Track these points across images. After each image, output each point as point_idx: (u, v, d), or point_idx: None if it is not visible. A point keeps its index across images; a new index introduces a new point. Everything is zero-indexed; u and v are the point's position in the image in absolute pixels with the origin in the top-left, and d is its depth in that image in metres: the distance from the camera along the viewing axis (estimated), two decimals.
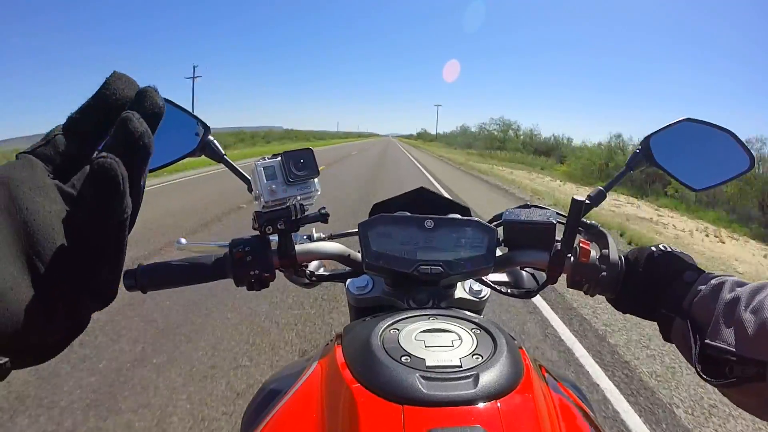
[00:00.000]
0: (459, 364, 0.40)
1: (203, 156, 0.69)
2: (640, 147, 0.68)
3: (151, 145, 0.26)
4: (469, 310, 0.55)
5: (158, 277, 0.58)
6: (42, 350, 0.25)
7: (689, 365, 0.46)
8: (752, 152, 0.67)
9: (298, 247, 0.62)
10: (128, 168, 0.24)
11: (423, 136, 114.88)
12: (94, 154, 0.24)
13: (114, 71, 0.27)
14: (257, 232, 0.59)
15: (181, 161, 0.66)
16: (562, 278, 0.61)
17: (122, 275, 0.57)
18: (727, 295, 0.45)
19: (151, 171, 0.62)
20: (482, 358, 0.41)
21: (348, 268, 0.69)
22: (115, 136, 0.25)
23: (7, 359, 0.22)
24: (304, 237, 0.71)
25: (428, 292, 0.62)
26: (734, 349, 0.40)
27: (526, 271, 0.74)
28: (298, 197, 0.58)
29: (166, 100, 0.62)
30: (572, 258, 0.59)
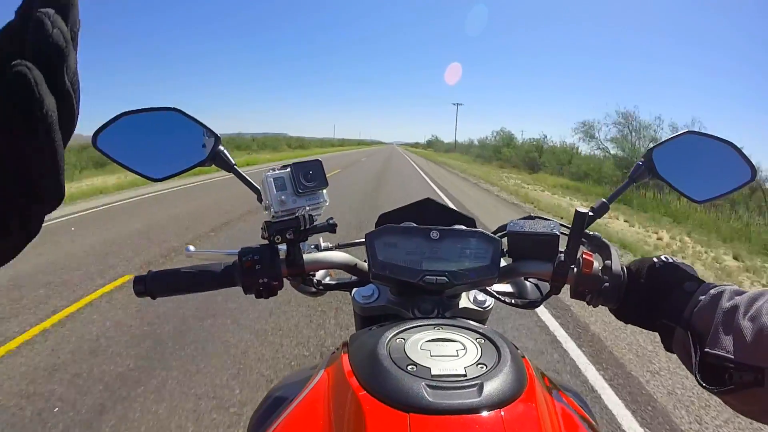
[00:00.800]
0: (464, 373, 0.41)
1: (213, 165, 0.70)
2: (643, 159, 0.69)
3: (66, 46, 0.25)
4: (473, 320, 0.56)
5: (167, 283, 0.59)
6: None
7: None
8: (753, 163, 0.67)
9: (306, 257, 0.63)
10: (47, 69, 0.25)
11: (435, 145, 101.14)
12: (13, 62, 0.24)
13: None
14: (266, 241, 0.60)
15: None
16: (565, 289, 0.62)
17: (132, 281, 0.59)
18: (726, 303, 0.45)
19: (161, 180, 0.63)
20: (486, 367, 0.42)
21: (354, 278, 0.70)
22: (32, 39, 0.25)
23: None
24: (312, 246, 0.72)
25: (433, 302, 0.62)
26: (733, 357, 0.41)
27: (529, 281, 0.75)
28: (307, 208, 0.60)
29: (177, 110, 0.64)
30: (575, 269, 0.60)
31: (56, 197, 0.26)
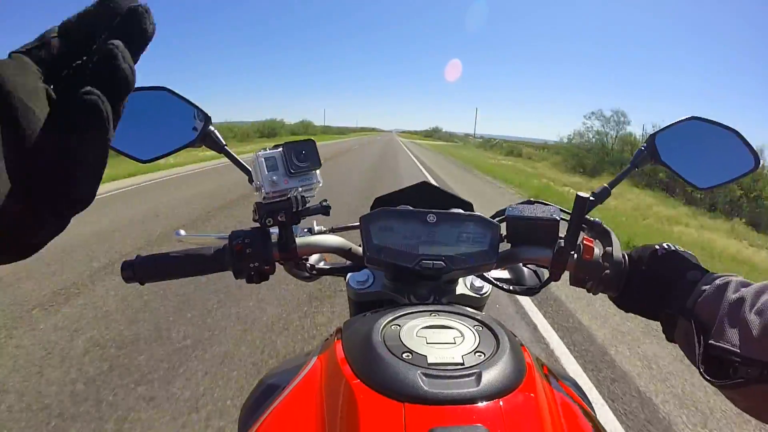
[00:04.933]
0: (461, 361, 0.39)
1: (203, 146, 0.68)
2: (645, 144, 0.68)
3: (133, 81, 0.26)
4: (470, 307, 0.55)
5: (156, 268, 0.58)
6: (26, 248, 0.27)
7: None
8: (757, 152, 0.66)
9: (298, 240, 0.61)
10: (109, 99, 0.25)
11: (436, 135, 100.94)
12: (83, 89, 0.24)
13: None
14: (258, 225, 0.58)
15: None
16: (564, 276, 0.61)
17: (121, 267, 0.57)
18: (731, 295, 0.44)
19: (150, 161, 0.61)
20: (485, 355, 0.40)
21: (349, 262, 0.68)
22: (98, 67, 0.25)
23: None
24: (305, 230, 0.70)
25: (429, 288, 0.61)
26: (739, 350, 0.40)
27: (528, 268, 0.74)
28: (300, 189, 0.58)
29: (167, 90, 0.61)
30: (575, 255, 0.58)
31: (90, 201, 0.28)
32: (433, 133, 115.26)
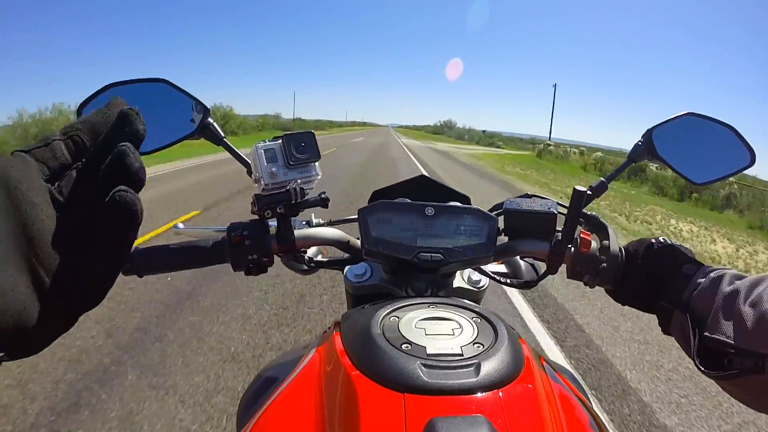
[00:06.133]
0: (460, 352, 0.40)
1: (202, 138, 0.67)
2: (642, 139, 0.68)
3: (144, 179, 0.28)
4: (467, 300, 0.55)
5: (154, 260, 0.57)
6: (34, 345, 0.26)
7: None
8: (753, 148, 0.67)
9: (297, 232, 0.61)
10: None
11: (446, 130, 77.71)
12: (113, 190, 0.25)
13: (116, 97, 0.30)
14: (256, 217, 0.58)
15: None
16: (561, 269, 0.61)
17: None
18: (726, 287, 0.45)
19: (148, 153, 0.61)
20: (483, 347, 0.41)
21: (347, 255, 0.69)
22: (114, 165, 0.26)
23: (3, 353, 0.24)
24: (303, 222, 0.71)
25: (427, 281, 0.61)
26: (733, 342, 0.41)
27: (525, 261, 0.74)
28: (299, 181, 0.58)
29: (165, 81, 0.61)
30: (572, 249, 0.59)
31: (100, 300, 0.28)
32: (443, 129, 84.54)
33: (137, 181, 0.27)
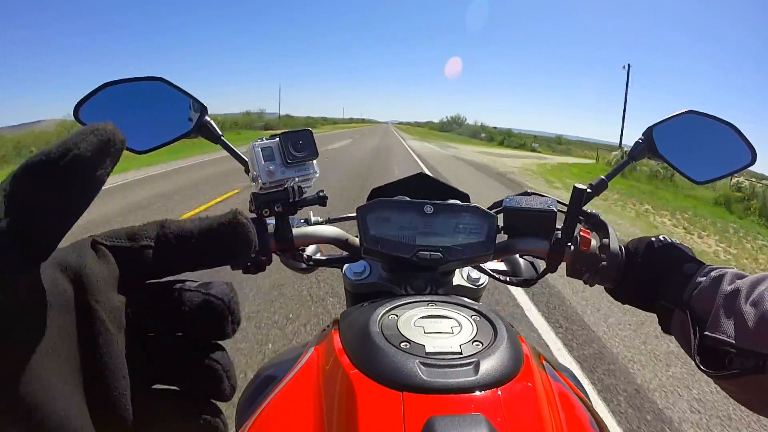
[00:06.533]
0: (459, 351, 0.39)
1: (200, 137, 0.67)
2: (643, 137, 0.68)
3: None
4: (466, 298, 0.55)
5: None
6: None
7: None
8: (754, 147, 0.66)
9: (295, 231, 0.61)
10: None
11: (449, 126, 70.35)
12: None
13: (236, 214, 0.23)
14: (254, 215, 0.58)
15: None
16: (561, 267, 0.61)
17: None
18: (727, 287, 0.45)
19: (146, 152, 0.61)
20: (482, 345, 0.41)
21: (345, 253, 0.68)
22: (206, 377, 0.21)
23: None
24: (301, 220, 0.70)
25: (426, 279, 0.61)
26: (734, 341, 0.40)
27: (524, 259, 0.74)
28: (296, 179, 0.57)
29: (162, 80, 0.61)
30: (572, 247, 0.59)
31: None
32: (451, 126, 75.80)
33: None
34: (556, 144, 44.83)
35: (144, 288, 0.21)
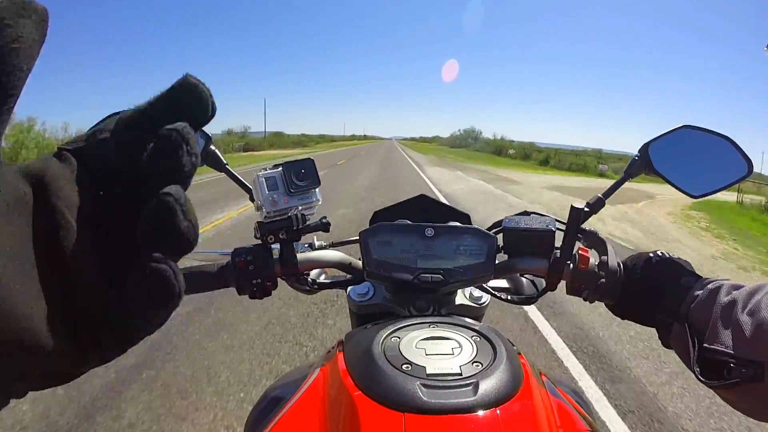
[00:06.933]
0: (459, 372, 0.40)
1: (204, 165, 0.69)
2: (639, 154, 0.69)
3: (195, 241, 0.21)
4: (469, 317, 0.56)
5: None
6: (62, 377, 0.21)
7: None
8: (750, 158, 0.67)
9: (299, 256, 0.62)
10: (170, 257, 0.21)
11: (464, 141, 62.85)
12: (153, 263, 0.20)
13: (187, 76, 0.21)
14: (260, 241, 0.59)
15: None
16: (561, 284, 0.62)
17: None
18: (723, 298, 0.45)
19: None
20: (482, 365, 0.41)
21: (349, 276, 0.70)
22: (154, 222, 0.20)
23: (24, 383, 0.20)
24: (306, 245, 0.72)
25: (429, 299, 0.62)
26: (732, 351, 0.41)
27: (525, 277, 0.75)
28: (300, 207, 0.59)
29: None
30: (571, 265, 0.59)
31: (139, 341, 0.22)
32: (466, 140, 68.62)
33: (179, 250, 0.20)
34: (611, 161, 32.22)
35: (108, 177, 0.21)
